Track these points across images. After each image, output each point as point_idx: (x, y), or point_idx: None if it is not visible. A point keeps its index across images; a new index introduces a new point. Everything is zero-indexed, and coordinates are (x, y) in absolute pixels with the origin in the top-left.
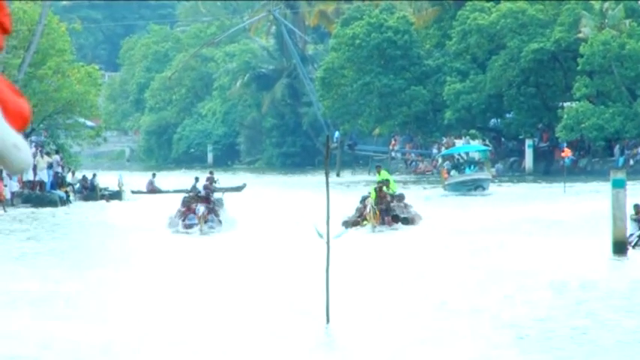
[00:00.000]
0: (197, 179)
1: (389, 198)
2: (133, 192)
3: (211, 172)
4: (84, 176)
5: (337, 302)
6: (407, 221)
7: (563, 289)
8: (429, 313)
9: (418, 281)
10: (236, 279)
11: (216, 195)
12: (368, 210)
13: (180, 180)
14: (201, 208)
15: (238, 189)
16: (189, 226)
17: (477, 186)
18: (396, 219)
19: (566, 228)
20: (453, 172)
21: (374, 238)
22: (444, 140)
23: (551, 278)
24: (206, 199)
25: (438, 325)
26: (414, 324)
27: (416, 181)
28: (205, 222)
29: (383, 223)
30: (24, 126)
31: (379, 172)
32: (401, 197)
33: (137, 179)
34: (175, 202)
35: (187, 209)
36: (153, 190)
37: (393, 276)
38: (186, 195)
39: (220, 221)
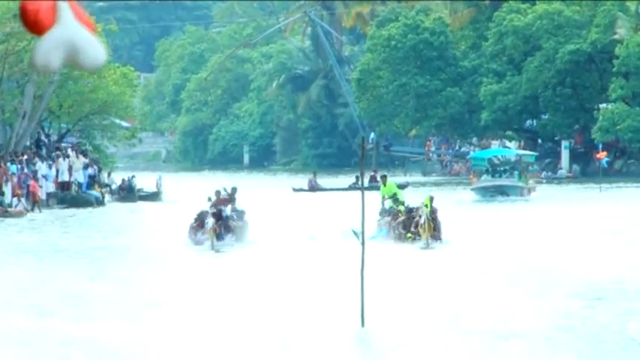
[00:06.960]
0: (357, 178)
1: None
2: (294, 189)
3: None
4: (123, 179)
5: (374, 309)
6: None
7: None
8: (466, 324)
9: (457, 291)
10: (269, 285)
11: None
12: (422, 222)
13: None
14: (210, 221)
15: (400, 187)
16: (200, 242)
17: (501, 192)
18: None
19: (608, 231)
20: (484, 177)
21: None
22: (475, 141)
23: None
24: (218, 216)
25: (475, 336)
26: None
27: (448, 182)
28: (217, 236)
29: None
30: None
31: (384, 184)
32: (434, 210)
33: (173, 180)
34: (335, 200)
35: (199, 224)
36: (313, 187)
37: (431, 286)
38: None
39: (235, 235)
